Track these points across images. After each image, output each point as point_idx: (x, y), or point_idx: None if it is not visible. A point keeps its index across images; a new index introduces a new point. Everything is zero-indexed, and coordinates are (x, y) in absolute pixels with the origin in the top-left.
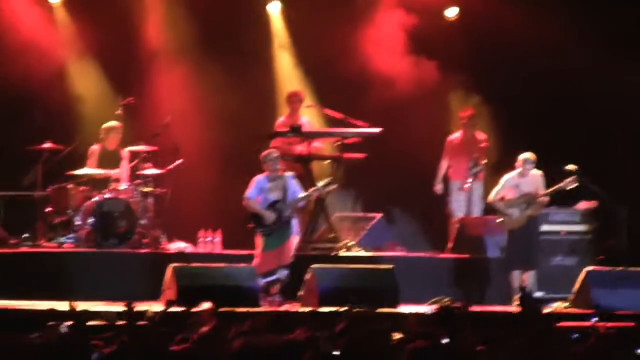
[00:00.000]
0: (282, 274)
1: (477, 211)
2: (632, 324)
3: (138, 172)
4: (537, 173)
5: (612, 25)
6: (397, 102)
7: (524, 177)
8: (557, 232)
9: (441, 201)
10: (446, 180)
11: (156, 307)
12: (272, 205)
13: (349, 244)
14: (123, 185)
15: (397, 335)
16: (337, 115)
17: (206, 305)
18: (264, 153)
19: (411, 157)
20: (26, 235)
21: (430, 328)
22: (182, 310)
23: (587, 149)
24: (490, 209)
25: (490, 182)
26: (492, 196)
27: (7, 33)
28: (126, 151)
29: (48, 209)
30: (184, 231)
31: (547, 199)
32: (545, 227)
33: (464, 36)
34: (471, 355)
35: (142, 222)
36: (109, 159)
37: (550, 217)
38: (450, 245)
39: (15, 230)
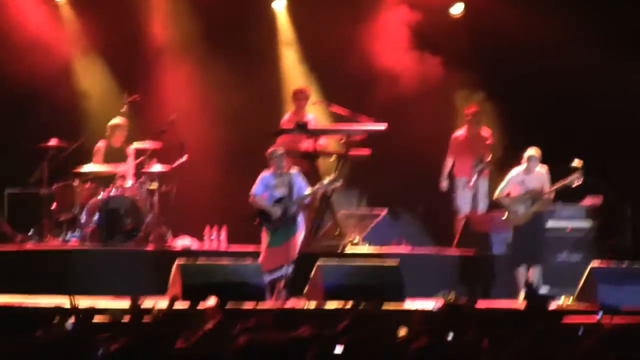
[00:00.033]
0: (288, 270)
1: (482, 208)
2: (637, 320)
3: (144, 169)
4: (542, 169)
5: (617, 23)
6: (402, 99)
7: (530, 173)
8: (563, 229)
9: (446, 198)
10: (451, 177)
11: (162, 302)
12: (278, 202)
13: (355, 241)
14: (129, 183)
15: (402, 332)
16: (343, 111)
17: (212, 301)
18: (270, 150)
19: (416, 153)
20: (32, 232)
21: (436, 325)
22: (188, 307)
23: (592, 146)
24: (495, 206)
25: (496, 178)
26: (497, 193)
27: (13, 30)
28: (132, 148)
29: (54, 206)
30: (189, 228)
31: (552, 195)
32: (550, 224)
33: (468, 33)
34: (476, 352)
35: (148, 219)
36: (115, 156)
37: (556, 213)
38: (455, 241)
39: (21, 228)
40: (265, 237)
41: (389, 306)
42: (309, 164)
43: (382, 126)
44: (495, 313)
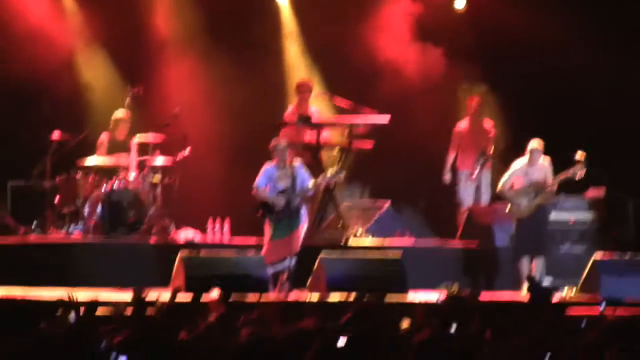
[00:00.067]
0: (291, 262)
1: (485, 200)
2: None
3: (147, 162)
4: (545, 161)
5: (619, 20)
6: (405, 91)
7: (533, 165)
8: (566, 220)
9: (449, 190)
10: (454, 169)
11: (165, 294)
12: (281, 194)
13: (358, 233)
14: (132, 175)
15: (405, 324)
16: (346, 104)
17: (215, 293)
18: (273, 142)
19: (419, 145)
20: (35, 224)
21: (439, 317)
22: (191, 300)
23: (594, 138)
24: (498, 198)
25: (498, 170)
26: (500, 185)
27: (16, 22)
28: (135, 141)
29: (57, 199)
30: (192, 220)
31: (555, 187)
32: (553, 215)
33: (471, 27)
34: (479, 343)
35: (151, 211)
36: (118, 149)
37: (559, 205)
38: (458, 234)
39: (24, 220)
40: (268, 230)
41: (391, 298)
42: (312, 156)
43: (385, 118)
44: (498, 305)
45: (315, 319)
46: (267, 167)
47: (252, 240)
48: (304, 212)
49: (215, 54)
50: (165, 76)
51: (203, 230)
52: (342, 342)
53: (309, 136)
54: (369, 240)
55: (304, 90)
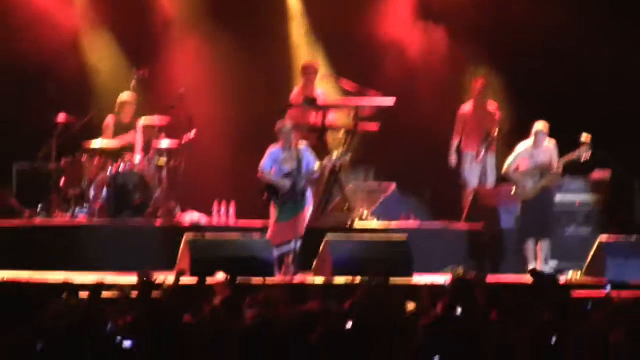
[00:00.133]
0: (296, 245)
1: (490, 182)
2: None
3: (152, 145)
4: (550, 143)
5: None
6: (409, 73)
7: (538, 147)
8: (572, 202)
9: (455, 172)
10: (459, 151)
11: (171, 277)
12: (287, 177)
13: (363, 215)
14: (137, 158)
15: (410, 307)
16: (352, 86)
17: (220, 276)
18: (279, 124)
19: (424, 127)
20: (40, 207)
21: (445, 299)
22: (196, 282)
23: (600, 120)
24: (503, 180)
25: (503, 152)
26: (506, 167)
27: (21, 4)
28: (140, 123)
29: (62, 182)
30: (198, 203)
31: (561, 169)
32: (559, 197)
33: (476, 8)
34: (485, 326)
35: (157, 194)
36: (124, 132)
37: (564, 187)
38: (464, 216)
39: (29, 203)
40: (273, 212)
41: (397, 281)
42: (318, 138)
43: (390, 101)
44: (504, 287)
45: (321, 302)
46: (273, 149)
47: (257, 223)
48: (309, 195)
49: (221, 36)
50: (170, 59)
51: (209, 213)
52: (349, 324)
53: (314, 118)
54: (374, 223)
55: (309, 72)
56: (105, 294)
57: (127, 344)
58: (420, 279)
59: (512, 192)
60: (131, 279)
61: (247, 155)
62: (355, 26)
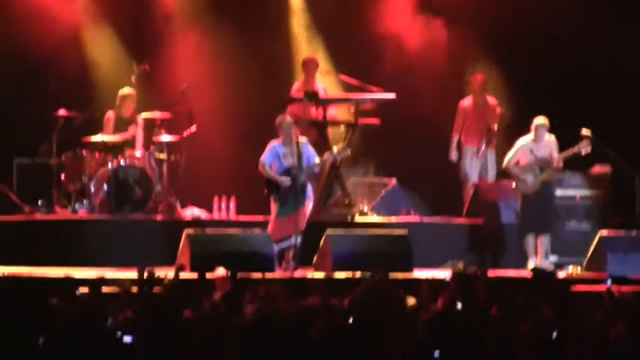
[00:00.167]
0: (297, 240)
1: (491, 176)
2: None
3: (153, 139)
4: (550, 138)
5: None
6: (409, 67)
7: (538, 142)
8: (572, 197)
9: (455, 167)
10: (459, 146)
11: (171, 272)
12: (287, 172)
13: (364, 210)
14: (138, 153)
15: (411, 302)
16: (353, 81)
17: (221, 271)
18: (279, 119)
19: (424, 122)
20: (41, 202)
21: (445, 294)
22: (196, 277)
23: (601, 114)
24: (504, 174)
25: (503, 146)
26: (506, 162)
27: None
28: (141, 118)
29: (63, 177)
30: (198, 198)
31: (561, 164)
32: (559, 192)
33: (476, 1)
34: (485, 321)
35: (157, 189)
36: (125, 126)
37: (565, 181)
38: (464, 210)
39: (30, 198)
40: (273, 207)
41: (397, 276)
42: (319, 133)
43: (391, 95)
44: (504, 282)
45: (321, 297)
46: (273, 144)
47: (258, 218)
48: (309, 190)
49: (221, 30)
50: (171, 53)
51: (209, 208)
52: (349, 320)
53: (315, 113)
54: (374, 218)
55: (310, 66)
56: (106, 289)
57: (127, 339)
58: (421, 273)
59: (513, 187)
60: (131, 274)
61: (248, 150)
62: (356, 21)
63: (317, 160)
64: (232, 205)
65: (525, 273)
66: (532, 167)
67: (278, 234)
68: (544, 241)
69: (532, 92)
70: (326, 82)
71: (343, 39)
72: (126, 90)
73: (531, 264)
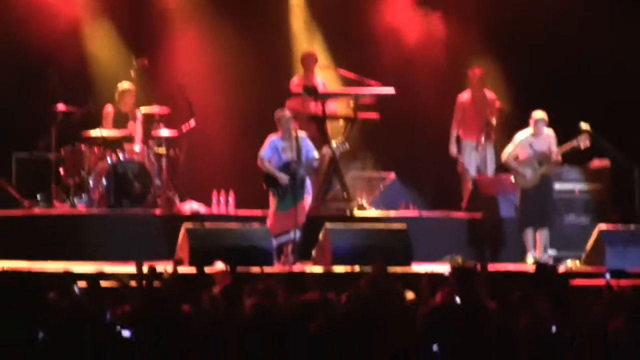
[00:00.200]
0: (296, 234)
1: (490, 171)
2: None
3: (152, 134)
4: (549, 132)
5: None
6: (409, 61)
7: (537, 136)
8: (571, 191)
9: (454, 161)
10: (458, 140)
11: (169, 266)
12: (286, 166)
13: (363, 204)
14: (137, 147)
15: (410, 296)
16: (352, 75)
17: (219, 266)
18: (278, 113)
19: (423, 116)
20: (40, 197)
21: (445, 289)
22: (195, 272)
23: (600, 108)
24: (503, 169)
25: (502, 140)
26: (505, 156)
27: None
28: (140, 113)
29: (62, 171)
30: (197, 192)
31: (560, 158)
32: (558, 186)
33: None
34: (485, 315)
35: (156, 183)
36: (123, 121)
37: (563, 175)
38: (464, 204)
39: (29, 192)
40: (272, 202)
41: (396, 270)
42: (317, 127)
43: (390, 90)
44: (504, 276)
45: (320, 291)
46: (272, 138)
47: (256, 212)
48: (308, 184)
49: (221, 25)
50: (170, 48)
51: (208, 202)
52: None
53: (314, 107)
54: (373, 212)
55: (309, 61)
56: (104, 283)
57: (125, 333)
58: (420, 268)
59: (512, 181)
60: (130, 268)
61: (247, 144)
62: (355, 15)
63: (315, 154)
64: (231, 199)
65: (525, 267)
66: (531, 161)
67: (277, 229)
68: (542, 235)
69: (531, 86)
70: (325, 77)
71: (342, 34)
72: (125, 84)
73: (530, 257)
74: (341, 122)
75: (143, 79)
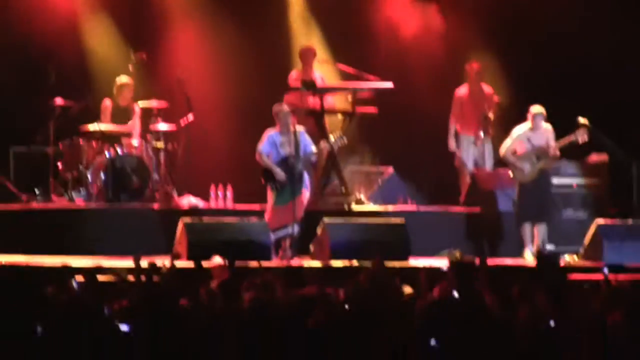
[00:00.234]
0: (294, 229)
1: (488, 165)
2: None
3: (150, 128)
4: (547, 126)
5: None
6: (407, 56)
7: (535, 130)
8: (569, 185)
9: (452, 155)
10: (456, 134)
11: (167, 261)
12: (284, 161)
13: (361, 198)
14: (135, 141)
15: (407, 290)
16: (350, 70)
17: (217, 260)
18: (276, 108)
19: (422, 110)
20: (38, 191)
21: (443, 283)
22: (193, 266)
23: (598, 102)
24: (501, 163)
25: (500, 135)
26: (503, 150)
27: None
28: (138, 107)
29: (60, 165)
30: (195, 187)
31: (558, 152)
32: (556, 181)
33: None
34: (483, 309)
35: (154, 177)
36: (122, 115)
37: (561, 170)
38: (462, 199)
39: (27, 186)
40: (270, 196)
41: (394, 264)
42: (316, 121)
43: (389, 84)
44: (502, 270)
45: (318, 285)
46: (270, 132)
47: (254, 206)
48: (306, 179)
49: (219, 19)
50: (169, 42)
51: (206, 197)
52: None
53: (312, 102)
54: (371, 206)
55: (307, 55)
56: (102, 278)
57: (124, 327)
58: (418, 262)
59: (510, 175)
60: (128, 263)
61: (245, 138)
62: (354, 10)
63: (313, 149)
64: (229, 193)
65: (523, 262)
66: (529, 155)
67: (275, 223)
68: (540, 230)
69: (529, 80)
70: (324, 71)
71: (341, 28)
72: (123, 79)
73: (528, 252)
74: (339, 116)
75: (141, 73)
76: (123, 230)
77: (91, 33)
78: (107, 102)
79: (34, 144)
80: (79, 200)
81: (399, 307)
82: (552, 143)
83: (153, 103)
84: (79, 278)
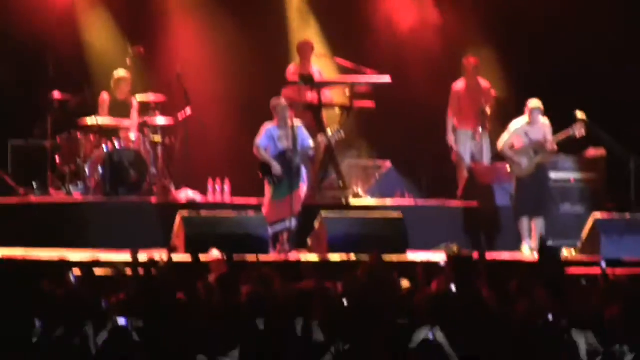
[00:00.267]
0: (291, 223)
1: (486, 159)
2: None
3: (148, 122)
4: (545, 121)
5: None
6: (405, 50)
7: (532, 125)
8: (566, 180)
9: (449, 149)
10: (453, 129)
11: (164, 254)
12: (282, 155)
13: (358, 192)
14: (133, 135)
15: (405, 284)
16: (348, 64)
17: (215, 254)
18: (274, 102)
19: (419, 105)
20: (35, 184)
21: (441, 277)
22: (191, 259)
23: (596, 97)
24: (498, 157)
25: (497, 129)
26: (501, 144)
27: None
28: (136, 100)
29: (57, 159)
30: (193, 181)
31: (556, 146)
32: (553, 175)
33: None
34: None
35: (152, 171)
36: (119, 109)
37: (559, 164)
38: (459, 193)
39: (24, 180)
40: (268, 190)
41: (392, 258)
42: (313, 115)
43: (386, 78)
44: (500, 264)
45: (316, 279)
46: (268, 126)
47: (252, 200)
48: (304, 173)
49: (217, 13)
50: (166, 36)
51: (203, 191)
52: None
53: (310, 96)
54: (369, 200)
55: (305, 49)
56: (100, 271)
57: (121, 321)
58: (415, 256)
59: (507, 170)
60: (126, 256)
61: (242, 132)
62: (351, 4)
63: (311, 143)
64: (226, 187)
65: (521, 256)
66: (527, 150)
67: (272, 217)
68: (538, 224)
69: (526, 74)
70: (321, 65)
71: (338, 22)
72: (121, 72)
73: (525, 246)
74: (337, 110)
75: (139, 67)
76: (120, 223)
77: (89, 27)
78: (104, 96)
79: (31, 137)
80: (76, 194)
81: (396, 300)
82: (550, 137)
83: (151, 97)
84: (77, 271)
